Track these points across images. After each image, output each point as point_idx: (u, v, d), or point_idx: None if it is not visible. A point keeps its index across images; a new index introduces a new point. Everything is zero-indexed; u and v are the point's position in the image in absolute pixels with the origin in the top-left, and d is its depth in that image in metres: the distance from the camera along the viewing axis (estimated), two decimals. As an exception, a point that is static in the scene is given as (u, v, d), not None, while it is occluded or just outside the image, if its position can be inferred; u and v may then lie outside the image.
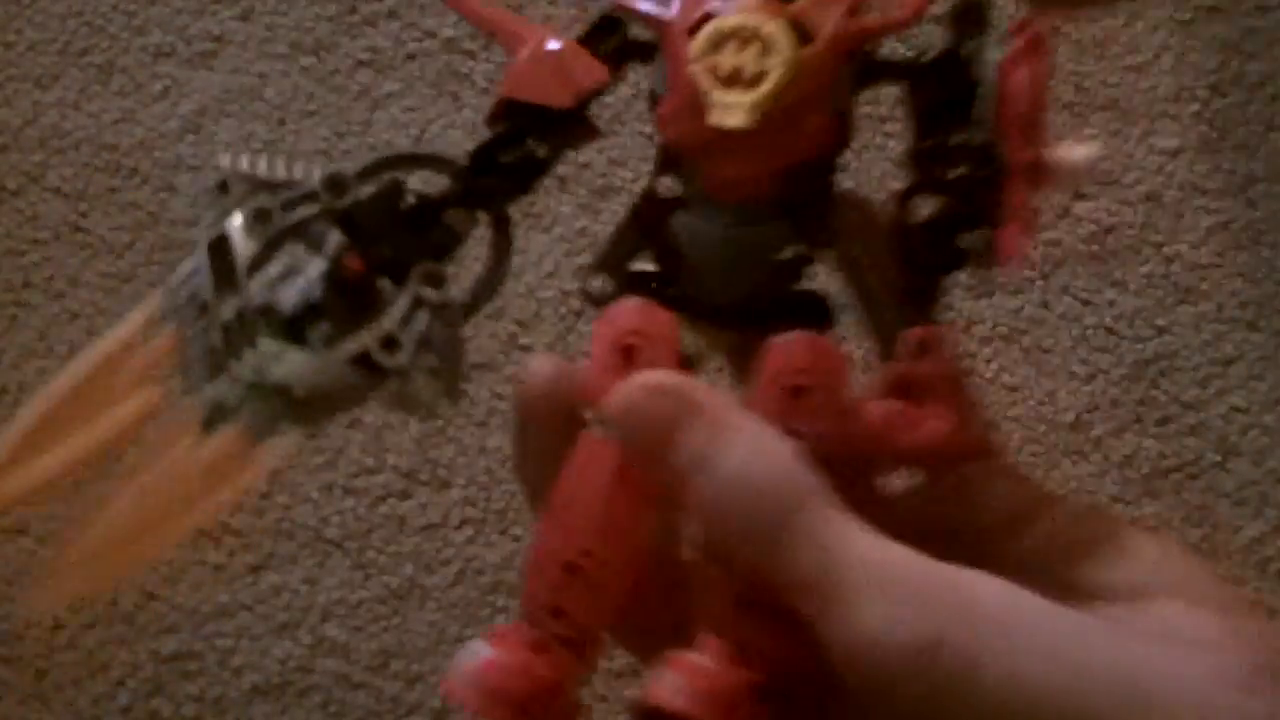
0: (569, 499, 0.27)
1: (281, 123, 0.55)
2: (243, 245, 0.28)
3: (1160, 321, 0.53)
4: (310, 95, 0.55)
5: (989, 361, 0.53)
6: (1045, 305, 0.53)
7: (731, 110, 0.27)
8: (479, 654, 0.27)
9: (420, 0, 0.56)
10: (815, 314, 0.28)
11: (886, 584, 0.25)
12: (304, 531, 0.51)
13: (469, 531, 0.51)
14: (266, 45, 0.56)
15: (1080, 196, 0.54)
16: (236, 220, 0.28)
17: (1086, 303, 0.53)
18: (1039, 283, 0.54)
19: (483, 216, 0.29)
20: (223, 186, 0.28)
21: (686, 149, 0.28)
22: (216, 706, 0.49)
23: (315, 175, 0.28)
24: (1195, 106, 0.56)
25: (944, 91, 0.28)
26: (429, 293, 0.28)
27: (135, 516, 0.27)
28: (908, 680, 0.25)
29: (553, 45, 0.29)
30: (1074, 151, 0.27)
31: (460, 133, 0.55)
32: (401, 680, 0.49)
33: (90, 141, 0.55)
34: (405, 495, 0.51)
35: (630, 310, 0.28)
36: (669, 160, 0.29)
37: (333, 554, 0.51)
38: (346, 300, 0.28)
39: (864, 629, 0.25)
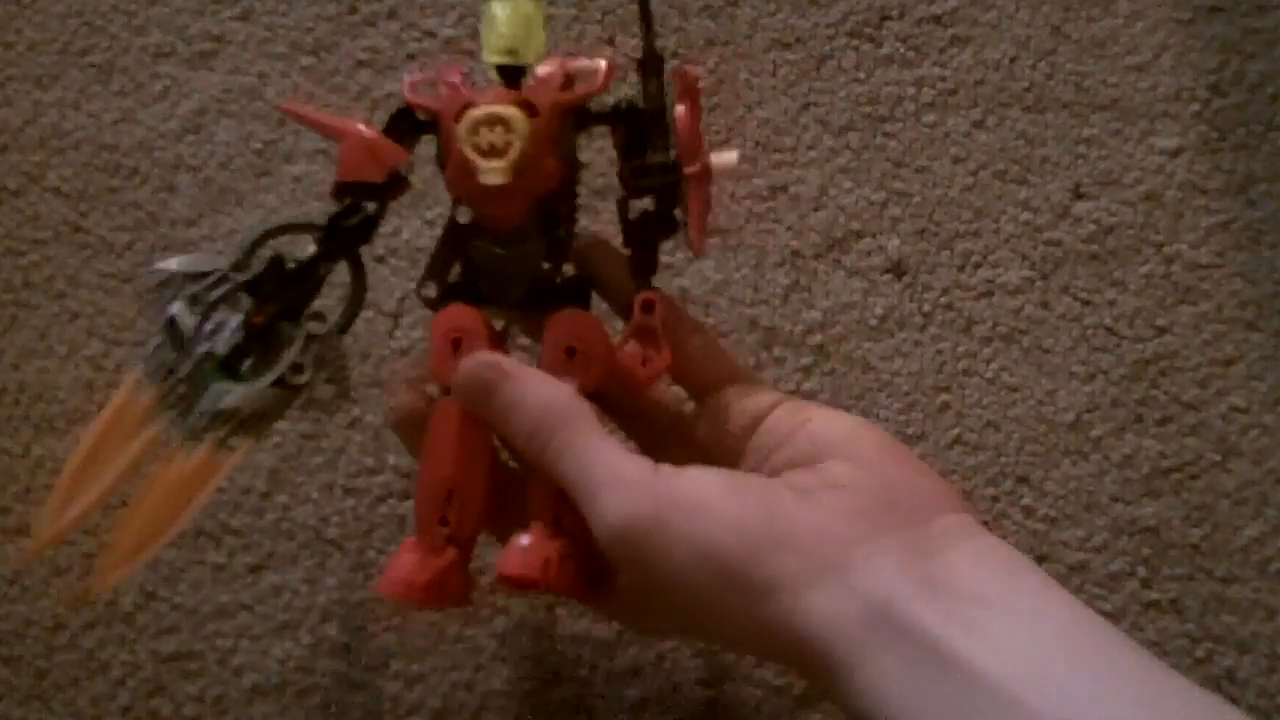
0: (435, 447, 0.42)
1: (281, 123, 0.55)
2: (186, 321, 0.42)
3: (1160, 321, 0.53)
4: (310, 95, 0.55)
5: (989, 362, 0.53)
6: (1045, 305, 0.53)
7: (492, 173, 0.40)
8: (393, 562, 0.41)
9: (420, 0, 0.56)
10: (579, 296, 0.43)
11: (619, 483, 0.36)
12: (304, 531, 0.51)
13: (469, 531, 0.51)
14: (266, 45, 0.56)
15: (1080, 197, 0.54)
16: (177, 306, 0.42)
17: (1086, 303, 0.53)
18: (1039, 283, 0.54)
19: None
20: (165, 283, 0.42)
21: (465, 198, 0.42)
22: (216, 706, 0.50)
23: (223, 262, 0.42)
24: (1195, 106, 0.56)
25: (634, 127, 0.42)
26: (316, 327, 0.43)
27: (152, 514, 0.41)
28: (634, 553, 0.36)
29: (365, 135, 0.42)
30: (720, 157, 0.42)
31: (460, 133, 0.55)
32: (402, 680, 0.49)
33: (90, 141, 0.55)
34: (405, 495, 0.51)
35: (452, 314, 0.42)
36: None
37: (333, 554, 0.51)
38: (260, 341, 0.42)
39: (602, 516, 0.36)
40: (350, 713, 0.49)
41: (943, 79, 0.57)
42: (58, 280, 0.54)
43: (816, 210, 0.54)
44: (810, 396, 0.52)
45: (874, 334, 0.53)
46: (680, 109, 0.42)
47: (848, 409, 0.52)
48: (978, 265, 0.54)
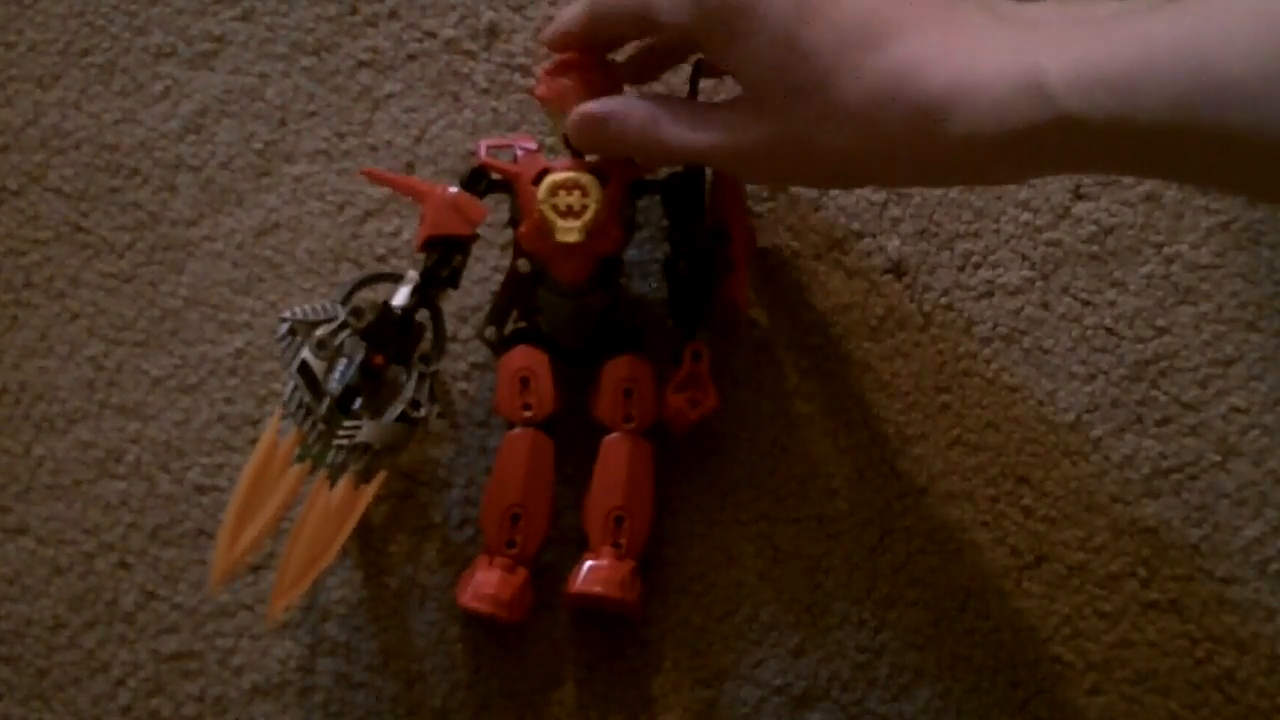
0: (504, 474, 0.48)
1: (282, 123, 0.55)
2: (316, 365, 0.46)
3: (1160, 322, 0.53)
4: (311, 96, 0.55)
5: (989, 362, 0.53)
6: (1045, 306, 0.53)
7: (569, 232, 0.46)
8: (474, 578, 0.47)
9: (421, 1, 0.56)
10: (633, 342, 0.49)
11: None
12: (304, 531, 0.51)
13: (469, 531, 0.51)
14: (267, 46, 0.56)
15: (1080, 197, 0.54)
16: (306, 352, 0.46)
17: (1086, 303, 0.53)
18: (1039, 283, 0.54)
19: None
20: (291, 331, 0.47)
21: (541, 255, 0.47)
22: (217, 706, 0.50)
23: (342, 311, 0.47)
24: (1195, 107, 0.56)
25: (682, 196, 0.49)
26: (424, 367, 0.48)
27: (309, 545, 0.45)
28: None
29: (449, 194, 0.47)
30: (763, 227, 0.52)
31: (460, 133, 0.55)
32: (401, 680, 0.50)
33: (91, 141, 0.55)
34: (406, 495, 0.51)
35: (519, 355, 0.48)
36: (520, 250, 0.48)
37: (333, 554, 0.51)
38: (372, 381, 0.47)
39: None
40: (350, 713, 0.49)
41: (943, 79, 0.57)
42: (58, 280, 0.54)
43: (816, 210, 0.54)
44: (810, 398, 0.52)
45: (874, 334, 0.53)
46: (729, 185, 0.49)
47: (847, 410, 0.52)
48: (978, 265, 0.54)
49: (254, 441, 0.51)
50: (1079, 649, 0.50)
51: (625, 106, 0.44)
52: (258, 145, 0.55)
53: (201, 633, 0.50)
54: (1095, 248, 0.54)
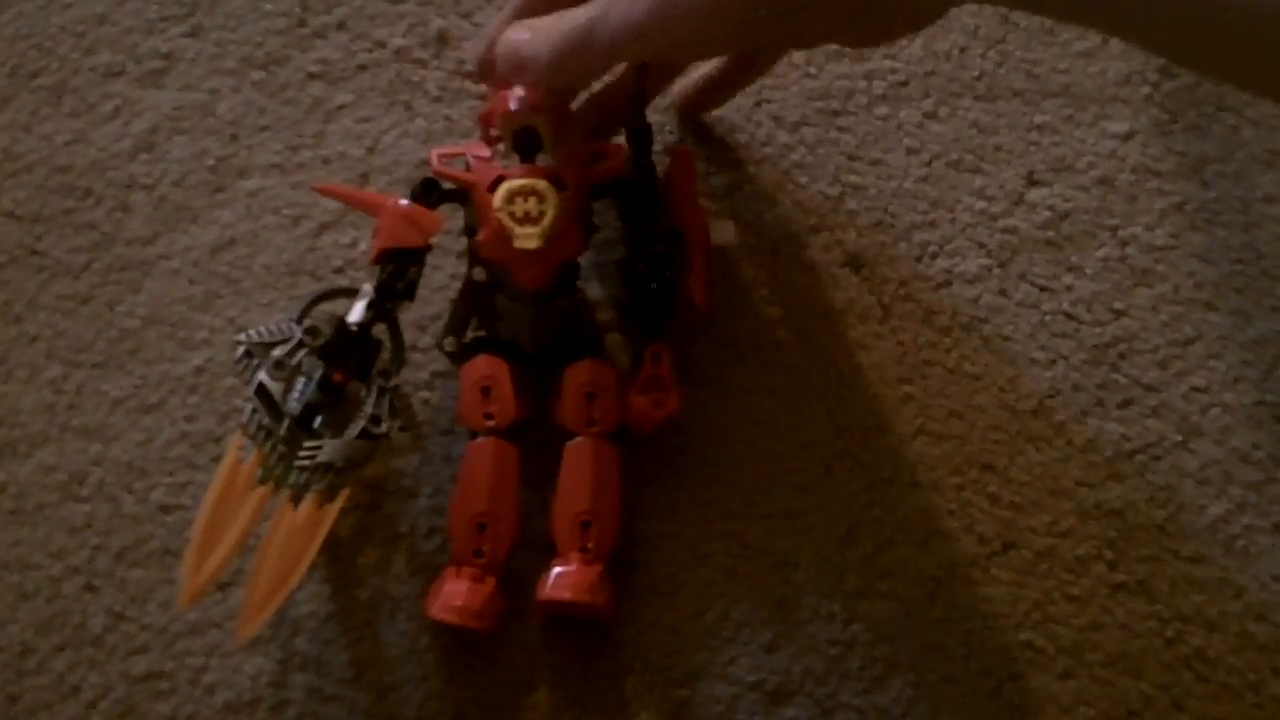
0: (469, 483, 0.47)
1: (234, 138, 0.55)
2: (274, 387, 0.46)
3: (1118, 305, 0.53)
4: (262, 110, 0.55)
5: (949, 351, 0.53)
6: (1003, 293, 0.54)
7: (528, 238, 0.45)
8: (443, 589, 0.47)
9: (369, 11, 0.56)
10: (594, 347, 0.50)
11: None
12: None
13: (437, 540, 0.51)
14: (217, 61, 0.56)
15: (1034, 183, 0.55)
16: (263, 374, 0.46)
17: (1044, 289, 0.54)
18: (996, 271, 0.54)
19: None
20: (248, 354, 0.46)
21: (500, 261, 0.46)
22: (190, 725, 0.49)
23: (298, 330, 0.47)
24: (1146, 89, 0.56)
25: (634, 198, 0.49)
26: (384, 382, 0.47)
27: (276, 565, 0.45)
28: None
29: (402, 206, 0.47)
30: (719, 229, 0.50)
31: (414, 142, 0.55)
32: (374, 692, 0.49)
33: (43, 164, 0.55)
34: (373, 506, 0.51)
35: (480, 364, 0.48)
36: (476, 258, 0.48)
37: (300, 568, 0.51)
38: (332, 398, 0.47)
39: None
40: (325, 726, 0.49)
41: (894, 71, 0.57)
42: (15, 304, 0.53)
43: (773, 206, 0.55)
44: (773, 393, 0.52)
45: (834, 327, 0.53)
46: (677, 179, 0.49)
47: (810, 404, 0.52)
48: (935, 255, 0.54)
49: (217, 459, 0.51)
50: (1049, 634, 0.50)
51: (526, 34, 0.42)
52: (210, 161, 0.55)
53: (172, 652, 0.50)
54: (1051, 233, 0.54)
